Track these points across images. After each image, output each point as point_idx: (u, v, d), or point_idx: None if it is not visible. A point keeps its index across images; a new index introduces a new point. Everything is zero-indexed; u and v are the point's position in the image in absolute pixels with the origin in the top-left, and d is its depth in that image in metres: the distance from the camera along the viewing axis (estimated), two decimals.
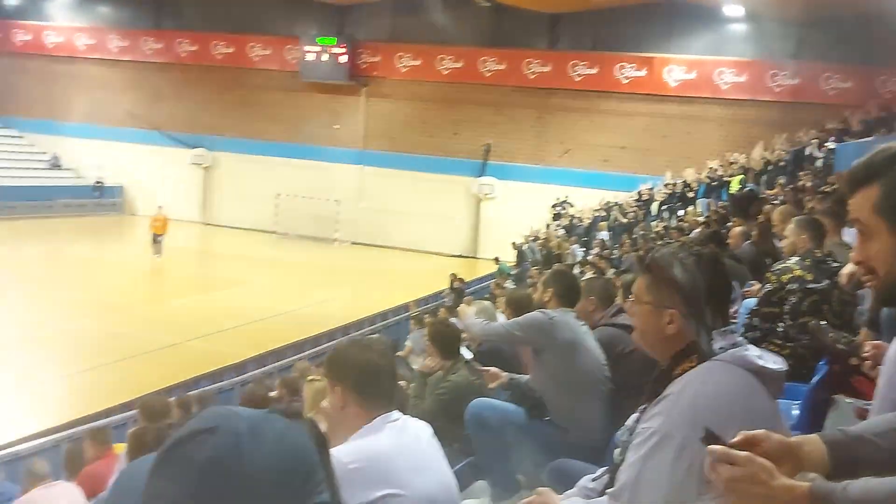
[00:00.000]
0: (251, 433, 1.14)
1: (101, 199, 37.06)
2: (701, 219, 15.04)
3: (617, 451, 2.38)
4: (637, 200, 24.38)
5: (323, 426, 2.86)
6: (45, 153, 38.20)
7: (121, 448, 6.90)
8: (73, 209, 35.50)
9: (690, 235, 11.79)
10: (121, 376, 14.50)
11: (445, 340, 5.38)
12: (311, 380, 6.41)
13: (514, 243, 24.32)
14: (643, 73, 30.17)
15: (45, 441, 9.72)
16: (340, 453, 2.38)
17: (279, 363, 14.22)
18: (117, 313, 18.99)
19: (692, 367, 2.08)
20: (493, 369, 4.74)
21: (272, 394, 8.37)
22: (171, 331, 17.75)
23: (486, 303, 8.46)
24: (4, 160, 36.34)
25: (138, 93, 37.31)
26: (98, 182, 37.02)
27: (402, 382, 6.52)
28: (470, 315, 5.03)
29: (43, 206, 34.47)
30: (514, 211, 29.87)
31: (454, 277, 20.18)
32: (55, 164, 37.98)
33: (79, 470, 6.43)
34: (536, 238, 24.57)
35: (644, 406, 2.16)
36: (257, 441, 1.13)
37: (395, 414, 2.54)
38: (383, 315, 19.33)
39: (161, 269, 26.16)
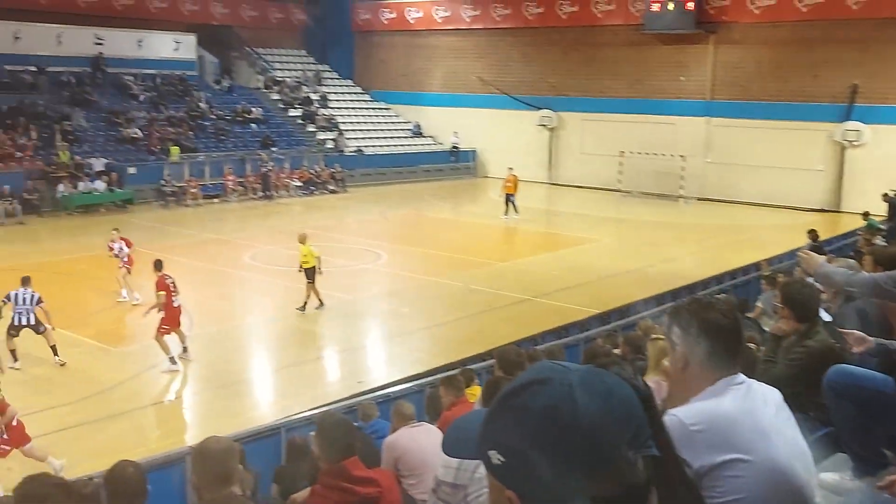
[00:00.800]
0: (582, 385, 1.18)
1: (456, 163, 39.72)
2: None
3: None
4: None
5: (665, 385, 2.82)
6: (408, 122, 41.75)
7: (475, 395, 7.40)
8: (431, 173, 38.55)
9: None
10: (476, 328, 15.54)
11: (802, 302, 4.99)
12: (655, 338, 6.34)
13: (885, 195, 21.82)
14: None
15: (411, 385, 10.74)
16: (682, 414, 2.33)
17: (623, 321, 14.23)
18: (472, 270, 20.29)
19: None
20: (858, 333, 4.32)
21: (616, 351, 8.42)
22: (520, 287, 18.58)
23: (850, 261, 7.72)
24: (376, 130, 40.44)
25: (489, 59, 39.15)
26: (454, 147, 39.67)
27: (751, 345, 6.21)
28: (825, 262, 4.59)
29: (407, 171, 37.89)
30: (886, 158, 26.75)
31: (812, 234, 18.63)
32: (417, 133, 41.37)
33: (439, 414, 7.01)
34: None
35: None
36: (588, 393, 1.17)
37: (741, 377, 2.42)
38: (732, 274, 18.46)
39: (511, 227, 27.41)
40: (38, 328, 13.49)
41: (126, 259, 16.85)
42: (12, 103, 29.68)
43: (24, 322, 13.36)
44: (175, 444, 10.21)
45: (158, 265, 13.77)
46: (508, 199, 27.75)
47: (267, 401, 12.62)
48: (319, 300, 16.54)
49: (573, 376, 1.19)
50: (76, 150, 29.29)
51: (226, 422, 10.78)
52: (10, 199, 25.71)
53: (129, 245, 17.17)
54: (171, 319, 13.29)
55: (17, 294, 13.52)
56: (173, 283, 13.49)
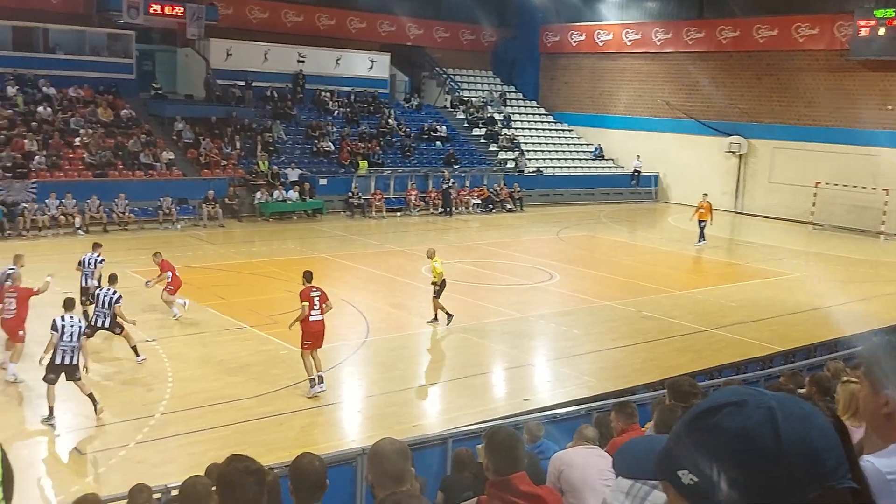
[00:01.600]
0: (781, 409, 1.16)
1: (637, 187, 39.00)
2: None
3: None
4: None
5: (857, 431, 2.65)
6: (590, 145, 41.46)
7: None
8: (610, 197, 38.08)
9: None
10: (647, 356, 15.17)
11: None
12: (846, 381, 5.96)
13: None
14: None
15: (578, 408, 10.61)
16: (880, 462, 2.18)
17: (809, 360, 13.41)
18: (647, 296, 19.82)
19: None
20: None
21: (800, 391, 7.98)
22: (696, 317, 17.97)
23: None
24: (557, 151, 40.48)
25: (677, 83, 38.23)
26: (636, 171, 38.98)
27: None
28: None
29: (585, 193, 37.67)
30: None
31: None
32: (598, 155, 41.00)
33: (608, 439, 6.90)
34: None
35: None
36: (788, 417, 1.15)
37: None
38: None
39: (691, 255, 26.59)
40: (114, 329, 13.67)
41: (170, 280, 16.39)
42: (222, 115, 32.09)
43: (99, 324, 13.53)
44: (345, 444, 10.63)
45: (308, 276, 13.05)
46: (700, 225, 27.23)
47: (434, 410, 12.88)
48: (435, 315, 16.62)
49: (771, 400, 1.17)
50: (274, 161, 31.23)
51: (394, 427, 11.11)
52: (213, 203, 27.77)
53: (166, 268, 16.45)
54: (309, 335, 12.62)
55: (99, 293, 13.74)
56: (319, 296, 12.69)
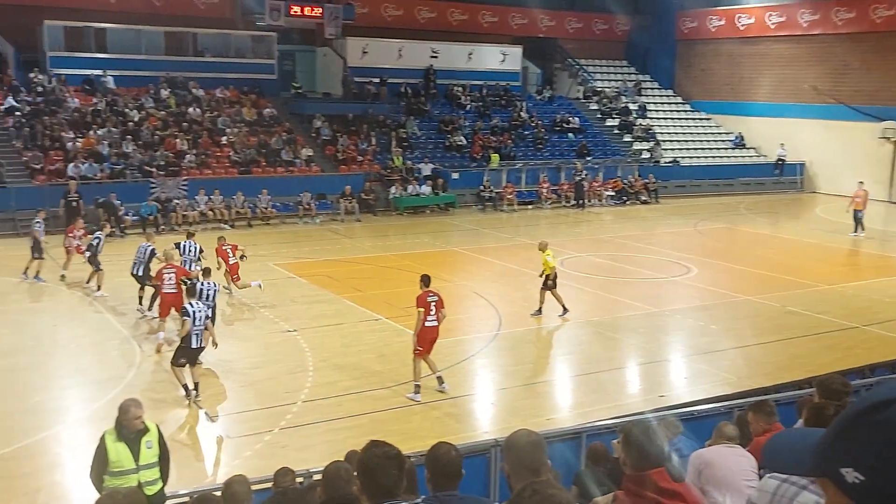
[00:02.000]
0: None
1: (780, 176, 37.30)
2: None
3: None
4: None
5: None
6: (730, 133, 39.95)
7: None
8: (752, 187, 36.59)
9: None
10: (792, 353, 14.51)
11: None
12: None
13: None
14: None
15: (718, 406, 10.27)
16: None
17: None
18: (791, 290, 18.96)
19: None
20: None
21: None
22: (846, 313, 17.05)
23: None
24: (694, 141, 39.24)
25: (824, 66, 36.28)
26: (779, 160, 37.28)
27: None
28: None
29: (724, 183, 36.35)
30: None
31: None
32: (739, 144, 39.45)
33: (748, 439, 6.65)
34: None
35: None
36: None
37: None
38: None
39: (841, 248, 25.21)
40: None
41: (231, 266, 17.34)
42: (358, 112, 32.93)
43: None
44: (479, 435, 10.71)
45: (425, 280, 12.59)
46: (856, 215, 26.03)
47: (567, 404, 12.78)
48: (563, 306, 16.47)
49: None
50: (408, 156, 31.76)
51: (528, 420, 11.08)
52: (350, 198, 28.56)
53: (219, 254, 17.59)
54: (422, 341, 12.27)
55: (202, 288, 13.87)
56: (436, 302, 12.35)
